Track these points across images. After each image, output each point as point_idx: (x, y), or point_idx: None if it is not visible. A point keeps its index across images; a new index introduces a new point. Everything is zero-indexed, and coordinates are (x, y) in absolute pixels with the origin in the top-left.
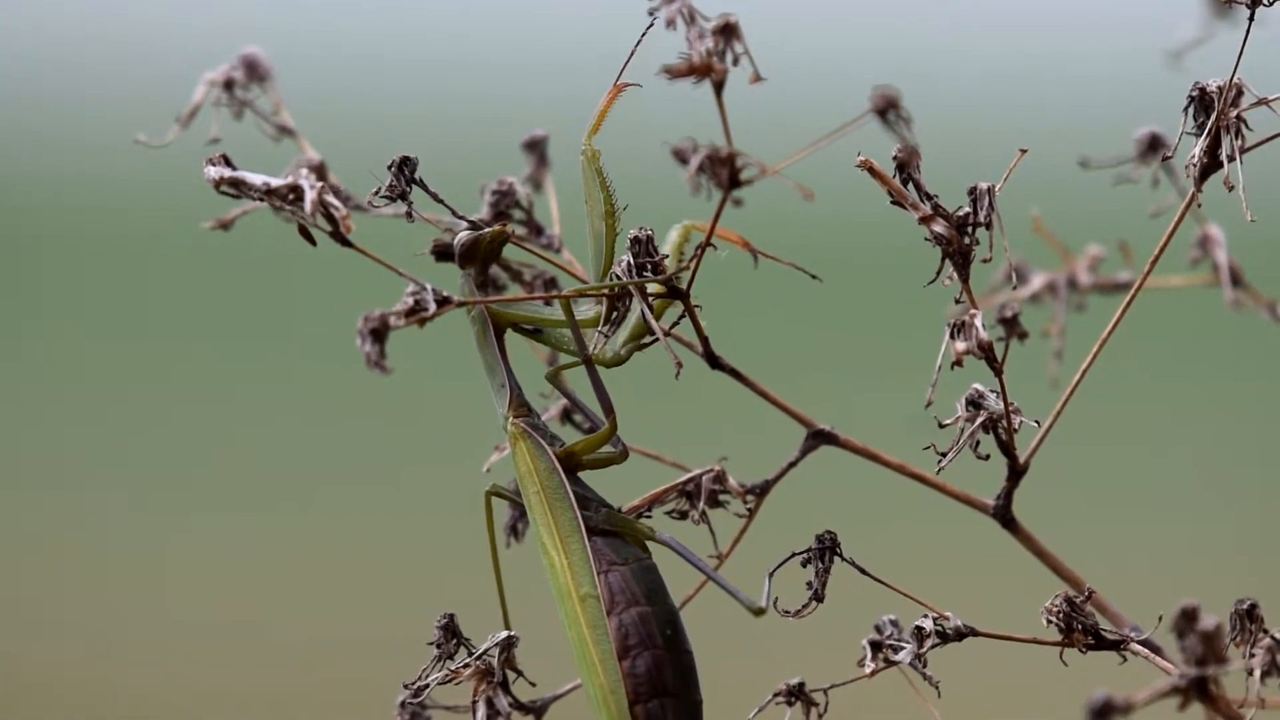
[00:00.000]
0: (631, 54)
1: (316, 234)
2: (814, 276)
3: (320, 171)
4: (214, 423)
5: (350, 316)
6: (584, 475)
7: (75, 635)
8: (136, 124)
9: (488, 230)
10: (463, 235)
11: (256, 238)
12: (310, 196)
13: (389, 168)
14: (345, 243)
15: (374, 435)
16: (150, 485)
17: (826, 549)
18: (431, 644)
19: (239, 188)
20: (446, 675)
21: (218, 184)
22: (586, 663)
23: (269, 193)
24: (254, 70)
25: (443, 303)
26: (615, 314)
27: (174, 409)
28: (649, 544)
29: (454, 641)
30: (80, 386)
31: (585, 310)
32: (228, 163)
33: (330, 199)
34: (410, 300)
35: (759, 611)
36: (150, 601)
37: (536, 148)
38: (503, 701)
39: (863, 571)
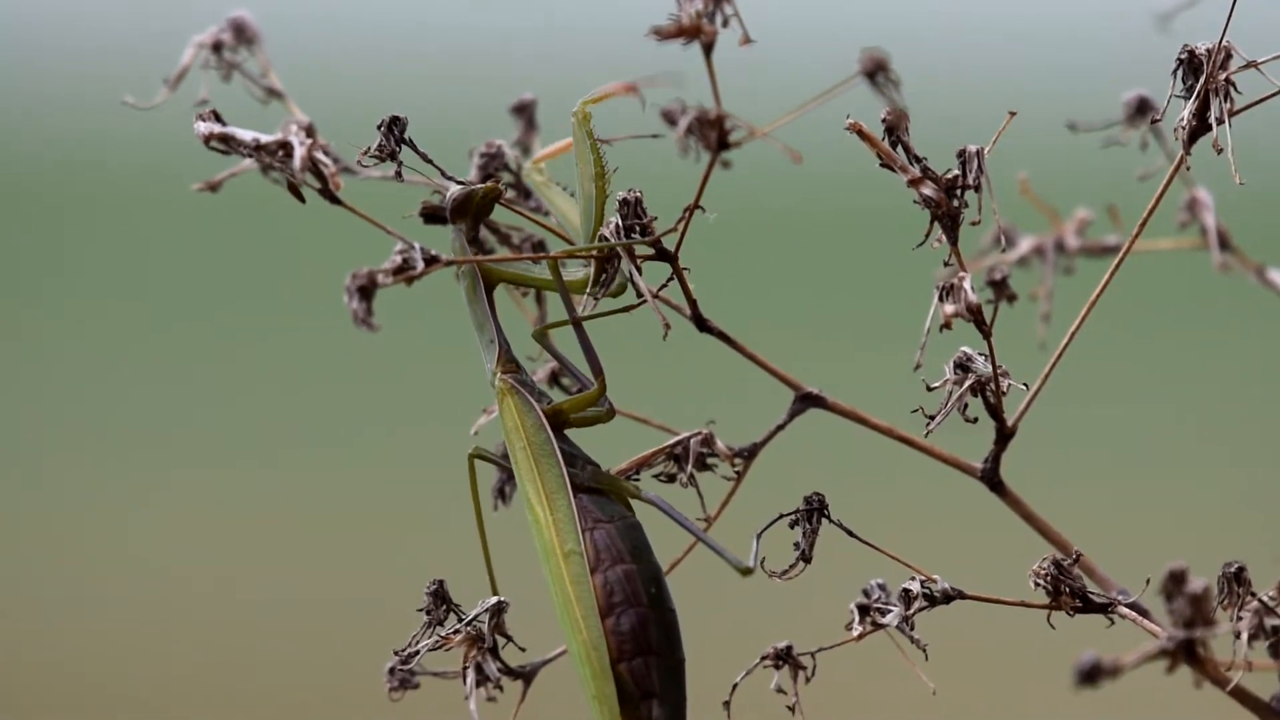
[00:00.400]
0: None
1: (306, 193)
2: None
3: (309, 131)
4: (192, 387)
5: (336, 278)
6: (570, 434)
7: (43, 602)
8: (123, 85)
9: (480, 186)
10: (455, 190)
11: (242, 200)
12: (300, 152)
13: (378, 127)
14: (334, 200)
15: (356, 397)
16: (124, 447)
17: (814, 510)
18: (421, 610)
19: (228, 143)
20: (436, 641)
21: (207, 139)
22: (570, 619)
23: (258, 149)
24: (242, 33)
25: (431, 261)
26: (604, 276)
27: (151, 372)
28: (634, 503)
29: (443, 608)
30: (52, 350)
31: (574, 272)
32: (217, 118)
33: (319, 155)
34: (398, 258)
35: (746, 571)
36: (119, 564)
37: (525, 111)
38: (492, 667)
39: (850, 534)
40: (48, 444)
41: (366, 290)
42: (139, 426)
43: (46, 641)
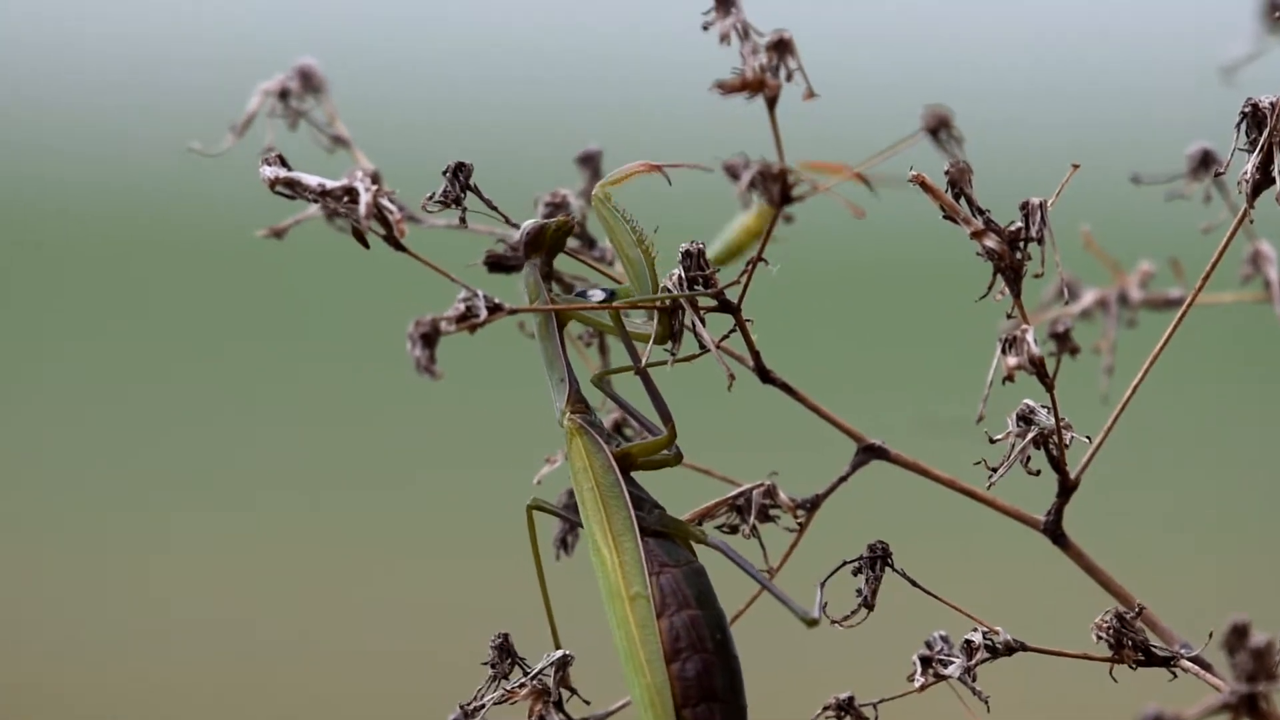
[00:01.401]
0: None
1: (371, 239)
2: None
3: (375, 178)
4: (226, 424)
5: (389, 320)
6: (638, 477)
7: (65, 632)
8: (190, 132)
9: (553, 220)
10: (528, 224)
11: (301, 246)
12: (365, 199)
13: (444, 173)
14: (398, 246)
15: (410, 436)
16: (149, 483)
17: (878, 558)
18: (485, 663)
19: (294, 188)
20: (502, 695)
21: (273, 184)
22: (634, 663)
23: (324, 194)
24: (309, 81)
25: (494, 309)
26: (675, 329)
27: (187, 408)
28: (699, 548)
29: (508, 660)
30: (83, 384)
31: (637, 325)
32: (283, 163)
33: (385, 201)
34: (462, 306)
35: (812, 622)
36: (146, 598)
37: (590, 162)
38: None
39: (913, 583)
40: (91, 479)
41: (429, 338)
42: (172, 465)
43: (67, 681)
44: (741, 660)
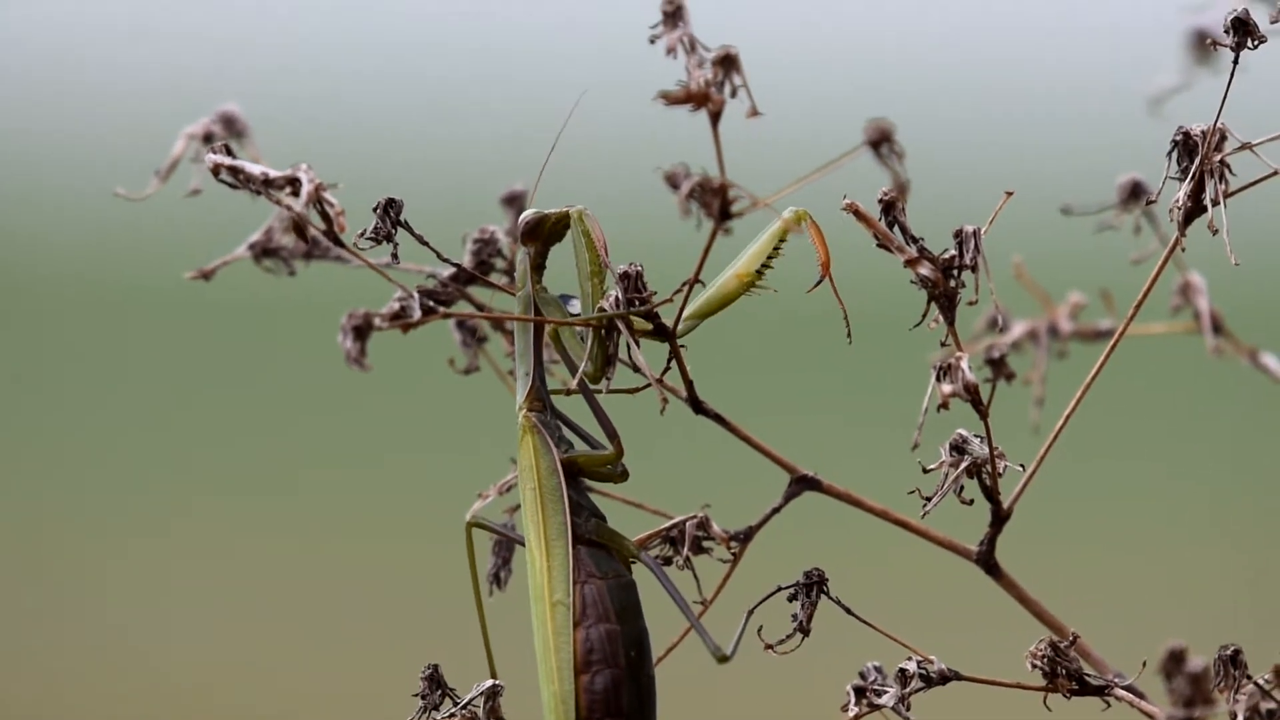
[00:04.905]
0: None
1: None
2: (849, 334)
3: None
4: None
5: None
6: (585, 487)
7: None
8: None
9: (554, 210)
10: (528, 214)
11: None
12: (307, 189)
13: (374, 209)
14: (338, 241)
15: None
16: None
17: (813, 584)
18: (416, 695)
19: (237, 176)
20: None
21: (217, 170)
22: (547, 668)
23: (266, 183)
24: (231, 125)
25: (428, 311)
26: (607, 348)
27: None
28: (634, 564)
29: (438, 692)
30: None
31: (578, 348)
32: (229, 152)
33: (326, 195)
34: (396, 305)
35: (723, 658)
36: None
37: (515, 202)
38: None
39: (848, 611)
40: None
41: (361, 330)
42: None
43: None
44: (673, 686)
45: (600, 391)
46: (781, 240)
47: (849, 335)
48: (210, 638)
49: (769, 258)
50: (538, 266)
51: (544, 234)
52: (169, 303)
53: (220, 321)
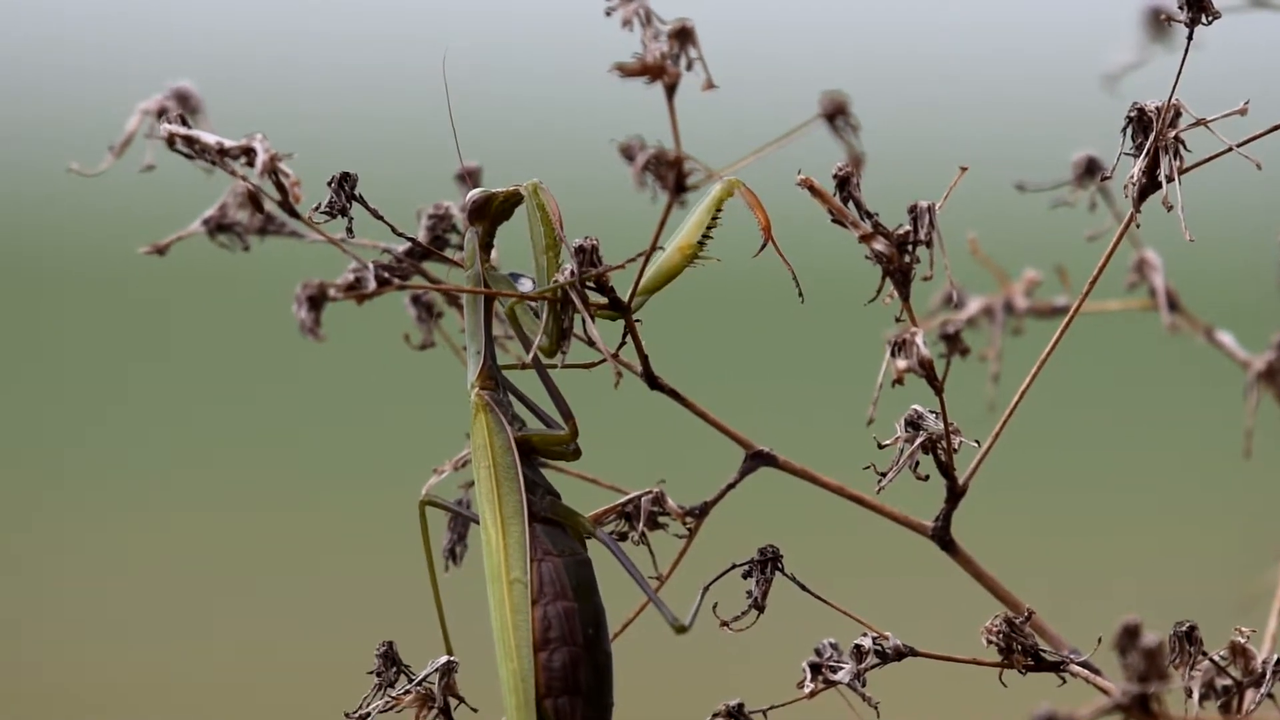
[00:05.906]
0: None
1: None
2: (799, 293)
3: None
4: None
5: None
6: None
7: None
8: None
9: (500, 190)
10: (475, 193)
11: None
12: (262, 158)
13: (329, 184)
14: (293, 213)
15: (309, 454)
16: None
17: (768, 560)
18: (371, 672)
19: (192, 146)
20: (387, 703)
21: (171, 139)
22: (504, 646)
23: (222, 153)
24: (186, 102)
25: (383, 283)
26: (562, 323)
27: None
28: (589, 540)
29: (394, 669)
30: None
31: (532, 323)
32: (184, 122)
33: (281, 165)
34: (351, 276)
35: (681, 629)
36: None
37: (470, 178)
38: None
39: (803, 588)
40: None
41: (316, 300)
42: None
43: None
44: (628, 663)
45: (555, 366)
46: (718, 210)
47: (799, 294)
48: (157, 618)
49: (708, 228)
50: (485, 245)
51: (491, 213)
52: (123, 279)
53: (174, 294)
